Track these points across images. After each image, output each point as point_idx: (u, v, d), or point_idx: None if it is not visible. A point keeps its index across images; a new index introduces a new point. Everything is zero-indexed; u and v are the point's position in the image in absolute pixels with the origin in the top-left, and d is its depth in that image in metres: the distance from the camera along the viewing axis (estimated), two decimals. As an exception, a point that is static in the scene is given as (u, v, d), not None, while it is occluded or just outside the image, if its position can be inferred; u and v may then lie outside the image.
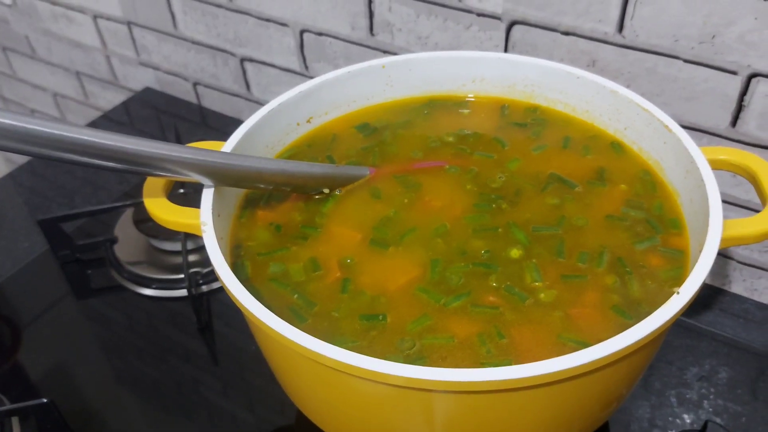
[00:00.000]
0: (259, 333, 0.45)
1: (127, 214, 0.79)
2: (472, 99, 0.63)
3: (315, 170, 0.53)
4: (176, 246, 0.74)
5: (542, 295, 0.45)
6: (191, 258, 0.72)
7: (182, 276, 0.71)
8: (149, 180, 0.50)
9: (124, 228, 0.77)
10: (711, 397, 0.61)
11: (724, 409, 0.60)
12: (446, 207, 0.52)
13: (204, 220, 0.46)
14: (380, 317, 0.44)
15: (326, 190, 0.54)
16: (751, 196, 0.63)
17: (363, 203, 0.53)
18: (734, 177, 0.63)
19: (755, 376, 0.63)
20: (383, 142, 0.59)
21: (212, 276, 0.72)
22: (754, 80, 0.57)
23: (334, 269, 0.48)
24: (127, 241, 0.76)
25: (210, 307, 0.70)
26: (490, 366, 0.41)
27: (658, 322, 0.38)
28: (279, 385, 0.52)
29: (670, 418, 0.59)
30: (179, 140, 0.85)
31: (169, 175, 0.45)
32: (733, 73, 0.58)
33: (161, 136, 0.99)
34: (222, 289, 0.56)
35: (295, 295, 0.46)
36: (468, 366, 0.41)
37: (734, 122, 0.60)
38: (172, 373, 0.65)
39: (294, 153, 0.59)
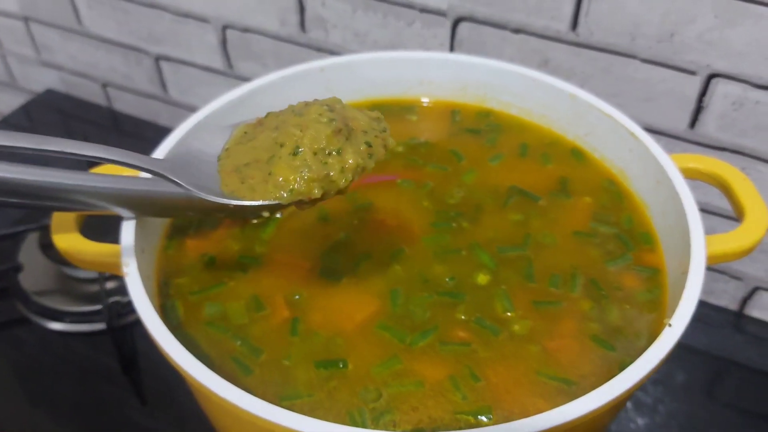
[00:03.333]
0: (199, 395, 0.39)
1: (32, 238, 0.70)
2: (421, 103, 0.58)
3: (252, 192, 0.46)
4: (92, 273, 0.66)
5: (516, 327, 0.41)
6: (110, 285, 0.64)
7: (100, 307, 0.63)
8: (57, 213, 0.42)
9: (30, 254, 0.69)
10: (666, 400, 0.60)
11: (680, 412, 0.59)
12: (402, 227, 0.48)
13: (125, 261, 0.39)
14: (340, 364, 0.39)
15: (266, 214, 0.48)
16: (710, 198, 0.61)
17: (308, 227, 0.48)
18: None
19: (711, 379, 0.62)
20: (326, 154, 0.53)
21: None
22: (713, 80, 0.55)
23: (281, 307, 0.43)
24: (33, 269, 0.68)
25: (134, 342, 0.63)
26: (466, 415, 0.37)
27: (654, 361, 0.34)
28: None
29: (623, 422, 0.57)
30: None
31: (80, 208, 0.38)
32: (692, 73, 0.56)
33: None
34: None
35: (238, 342, 0.40)
36: (442, 416, 0.37)
37: (693, 124, 0.58)
38: (84, 420, 0.57)
39: (225, 169, 0.52)
